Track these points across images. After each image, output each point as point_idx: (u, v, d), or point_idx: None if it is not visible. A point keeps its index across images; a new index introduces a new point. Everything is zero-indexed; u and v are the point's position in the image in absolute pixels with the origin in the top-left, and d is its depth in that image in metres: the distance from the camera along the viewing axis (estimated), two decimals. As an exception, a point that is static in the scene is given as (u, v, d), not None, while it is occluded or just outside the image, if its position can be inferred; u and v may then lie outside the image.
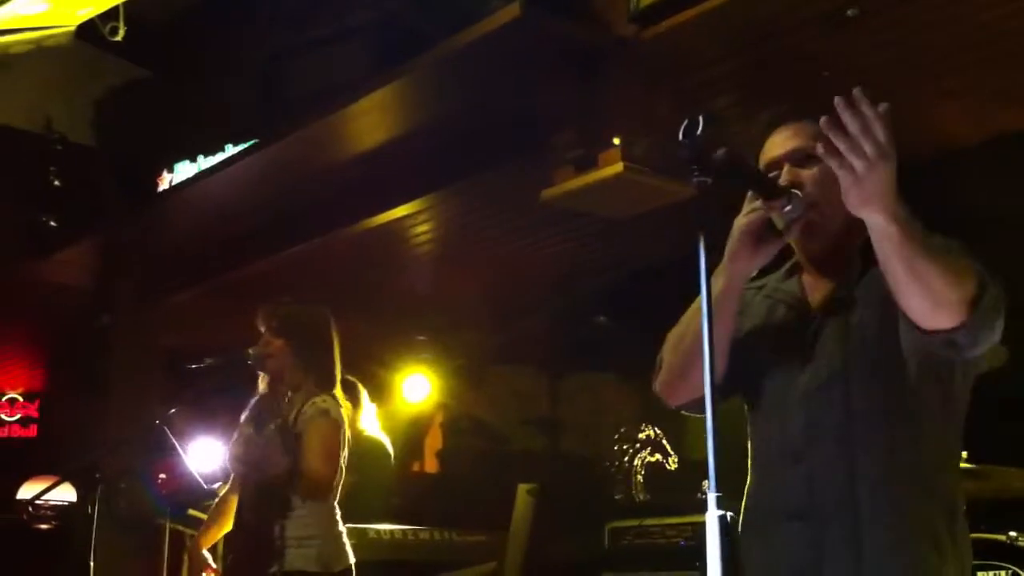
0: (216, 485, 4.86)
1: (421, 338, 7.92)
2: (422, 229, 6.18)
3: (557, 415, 8.34)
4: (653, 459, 6.35)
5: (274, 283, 6.49)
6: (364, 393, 3.77)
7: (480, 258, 6.72)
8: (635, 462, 6.32)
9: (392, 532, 5.82)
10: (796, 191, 1.97)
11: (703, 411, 2.14)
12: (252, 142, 5.51)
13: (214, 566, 3.73)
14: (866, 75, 4.40)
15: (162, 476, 5.30)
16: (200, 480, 4.80)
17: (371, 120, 5.16)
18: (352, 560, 3.56)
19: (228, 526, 3.82)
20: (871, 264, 2.04)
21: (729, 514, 1.65)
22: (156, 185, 6.11)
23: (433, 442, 8.98)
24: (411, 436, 8.46)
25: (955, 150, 4.95)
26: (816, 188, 2.02)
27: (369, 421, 3.80)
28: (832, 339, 2.01)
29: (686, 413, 2.20)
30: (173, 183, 6.01)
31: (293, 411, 3.53)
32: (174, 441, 4.73)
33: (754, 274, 2.09)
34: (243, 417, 3.78)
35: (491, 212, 5.98)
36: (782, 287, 2.16)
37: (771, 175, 2.00)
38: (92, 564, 4.70)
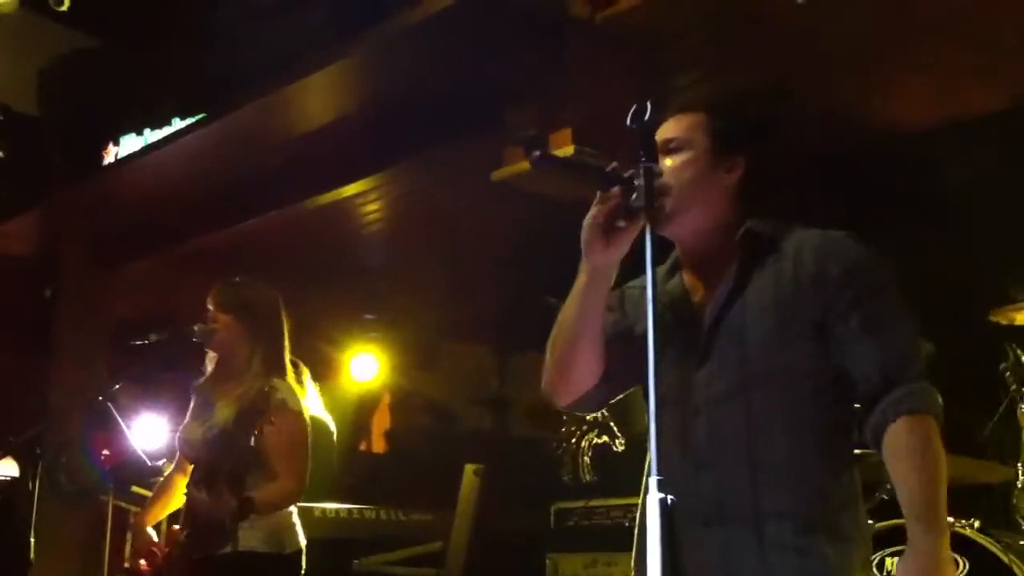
0: (160, 462, 4.82)
1: (370, 317, 7.88)
2: (372, 208, 6.14)
3: (506, 395, 8.34)
4: (600, 440, 6.37)
5: (223, 257, 6.44)
6: (307, 374, 3.75)
7: (431, 237, 6.70)
8: (582, 443, 6.34)
9: (338, 511, 5.80)
10: (636, 181, 1.87)
11: (590, 409, 2.20)
12: (200, 116, 5.44)
13: (157, 540, 3.70)
14: (831, 51, 4.41)
15: (105, 452, 5.26)
16: (144, 457, 4.76)
17: (321, 96, 5.12)
18: (303, 542, 3.55)
19: (173, 505, 3.78)
20: (751, 259, 2.06)
21: (670, 497, 1.67)
22: (102, 158, 6.01)
23: (381, 421, 8.95)
24: (358, 415, 8.43)
25: (917, 131, 4.98)
26: (670, 176, 2.03)
27: (313, 401, 3.77)
28: (729, 346, 2.02)
29: (578, 412, 2.23)
30: (119, 156, 5.92)
31: (243, 399, 3.47)
32: (118, 417, 4.68)
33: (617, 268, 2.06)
34: (192, 401, 3.74)
35: (442, 191, 5.95)
36: (665, 288, 2.16)
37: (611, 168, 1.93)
38: (33, 541, 4.65)
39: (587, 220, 1.95)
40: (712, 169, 2.08)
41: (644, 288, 2.13)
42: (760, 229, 2.09)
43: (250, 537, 3.40)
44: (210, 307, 3.66)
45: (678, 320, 2.09)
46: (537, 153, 1.86)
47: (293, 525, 3.55)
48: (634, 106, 1.84)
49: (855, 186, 5.09)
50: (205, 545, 3.43)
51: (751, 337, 2.00)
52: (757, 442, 1.96)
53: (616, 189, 1.89)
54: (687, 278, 2.15)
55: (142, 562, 3.65)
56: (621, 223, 1.93)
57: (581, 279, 2.04)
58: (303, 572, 3.53)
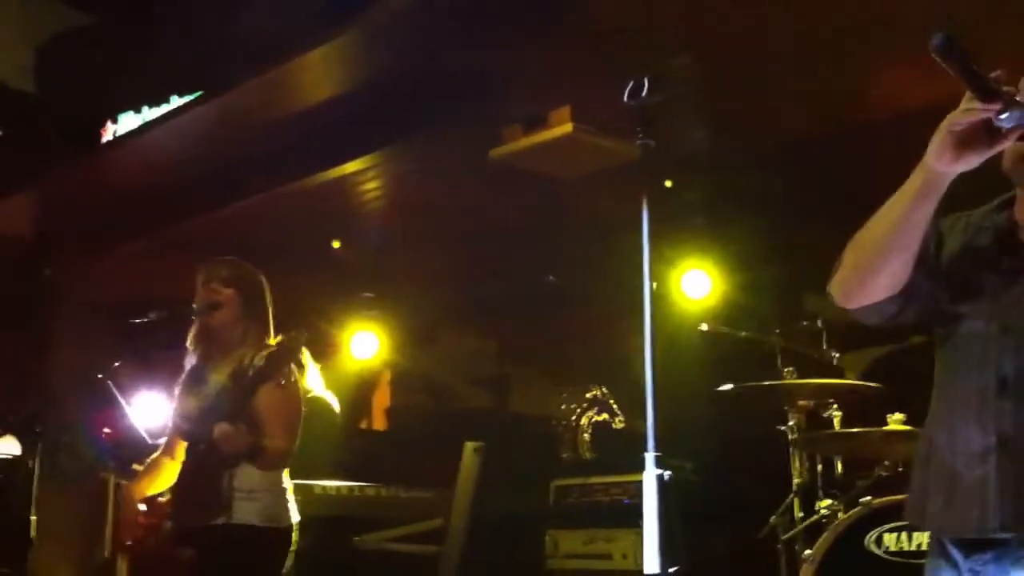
0: (161, 440, 4.83)
1: (369, 295, 7.88)
2: (371, 186, 6.13)
3: (505, 373, 8.35)
4: (600, 418, 6.40)
5: (221, 237, 6.42)
6: (307, 353, 3.76)
7: (430, 215, 6.69)
8: (582, 421, 6.36)
9: (338, 488, 5.81)
10: (1019, 99, 1.71)
11: (874, 319, 2.04)
12: (198, 94, 5.42)
13: (143, 509, 3.71)
14: (826, 33, 4.39)
15: (106, 430, 5.26)
16: (144, 434, 4.77)
17: (320, 73, 5.10)
18: (296, 518, 3.56)
19: (160, 487, 3.78)
20: None
21: (667, 473, 1.68)
22: (100, 136, 5.99)
23: (381, 399, 8.97)
24: (358, 393, 8.44)
25: (909, 113, 4.96)
26: None
27: (314, 381, 3.79)
28: None
29: (859, 319, 2.07)
30: (117, 134, 5.90)
31: (241, 363, 3.50)
32: (117, 395, 4.69)
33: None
34: (182, 381, 3.75)
35: (441, 169, 5.94)
36: (991, 218, 2.04)
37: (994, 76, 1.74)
38: (34, 519, 4.66)
39: (945, 123, 1.78)
40: None
41: (956, 217, 2.06)
42: None
43: (246, 510, 3.41)
44: (210, 283, 3.67)
45: (997, 251, 1.99)
46: (940, 37, 1.65)
47: (287, 500, 3.56)
48: (631, 82, 1.85)
49: (837, 169, 5.08)
50: (200, 514, 3.44)
51: None
52: None
53: (990, 104, 1.71)
54: (1021, 215, 2.01)
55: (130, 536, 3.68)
56: (982, 140, 1.76)
57: (914, 183, 1.87)
58: (295, 547, 3.55)
